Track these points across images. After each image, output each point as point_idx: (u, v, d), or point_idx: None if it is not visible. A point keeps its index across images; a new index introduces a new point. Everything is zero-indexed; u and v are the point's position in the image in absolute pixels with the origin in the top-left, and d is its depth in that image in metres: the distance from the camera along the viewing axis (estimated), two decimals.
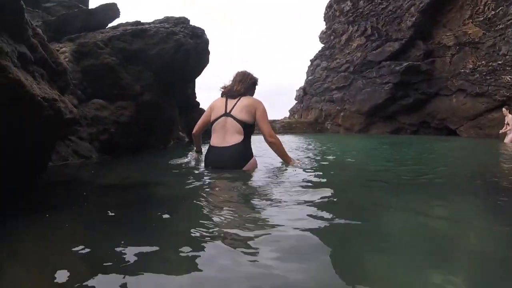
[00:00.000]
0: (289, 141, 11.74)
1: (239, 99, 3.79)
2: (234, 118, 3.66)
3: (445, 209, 2.47)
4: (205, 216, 2.21)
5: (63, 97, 3.09)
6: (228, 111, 3.73)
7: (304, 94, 28.10)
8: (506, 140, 12.70)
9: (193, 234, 1.83)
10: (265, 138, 3.80)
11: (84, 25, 7.83)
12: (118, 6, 8.70)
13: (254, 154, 3.86)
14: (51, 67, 3.19)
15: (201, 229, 1.89)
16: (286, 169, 3.87)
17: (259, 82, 4.10)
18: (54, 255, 1.69)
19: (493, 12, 16.21)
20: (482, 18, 16.74)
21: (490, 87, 16.61)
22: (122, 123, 6.48)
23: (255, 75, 4.07)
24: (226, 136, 3.67)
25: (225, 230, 1.90)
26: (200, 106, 14.63)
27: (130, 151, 6.57)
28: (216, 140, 3.73)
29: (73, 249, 1.64)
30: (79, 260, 1.57)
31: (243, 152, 3.66)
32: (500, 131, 13.29)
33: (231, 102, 3.79)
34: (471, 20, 17.31)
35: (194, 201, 2.61)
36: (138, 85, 7.21)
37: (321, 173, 3.67)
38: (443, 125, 19.46)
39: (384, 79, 20.70)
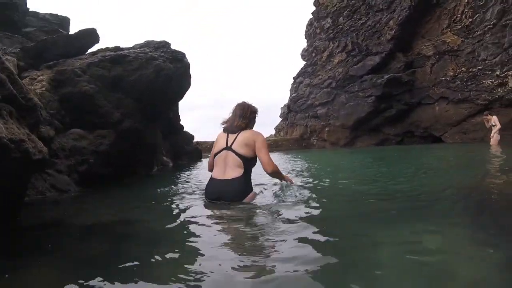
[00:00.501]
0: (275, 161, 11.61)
1: (239, 133, 3.81)
2: (235, 152, 3.69)
3: (438, 239, 2.36)
4: (188, 259, 2.11)
5: (32, 135, 2.94)
6: (229, 145, 3.76)
7: (288, 111, 28.22)
8: (492, 142, 12.85)
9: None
10: (263, 167, 3.81)
11: (63, 52, 7.69)
12: (99, 31, 8.63)
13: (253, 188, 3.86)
14: (20, 103, 3.04)
15: (184, 275, 1.78)
16: (275, 200, 3.81)
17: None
18: None
19: (470, 20, 16.68)
20: (460, 26, 17.20)
21: (471, 92, 16.99)
22: (102, 152, 6.29)
23: (254, 104, 4.02)
24: (226, 169, 3.68)
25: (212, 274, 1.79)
26: (185, 129, 14.54)
27: (111, 181, 6.36)
28: (217, 173, 3.74)
29: None
30: None
31: (242, 186, 3.65)
32: (491, 136, 13.29)
33: (231, 136, 3.81)
34: (449, 29, 17.79)
35: (176, 240, 2.52)
36: (118, 112, 7.06)
37: (308, 204, 3.56)
38: (427, 133, 19.75)
39: (367, 93, 20.99)
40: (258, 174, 4.35)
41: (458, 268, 1.81)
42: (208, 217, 3.23)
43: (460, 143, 16.77)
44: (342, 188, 4.91)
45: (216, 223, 2.96)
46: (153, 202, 4.40)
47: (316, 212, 3.28)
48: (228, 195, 3.60)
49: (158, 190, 5.32)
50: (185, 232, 2.80)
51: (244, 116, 3.90)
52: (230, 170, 3.65)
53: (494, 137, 13.01)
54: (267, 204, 3.61)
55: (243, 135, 3.77)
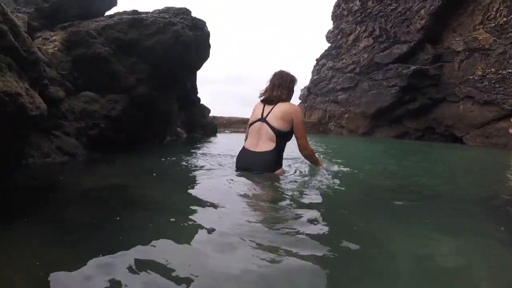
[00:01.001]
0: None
1: (276, 104, 3.65)
2: (269, 125, 3.55)
3: (455, 243, 2.11)
4: (188, 232, 2.00)
5: (31, 91, 2.72)
6: (264, 116, 3.62)
7: (308, 94, 27.62)
8: None
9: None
10: (299, 147, 3.77)
11: (79, 13, 7.45)
12: None
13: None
14: (21, 56, 2.81)
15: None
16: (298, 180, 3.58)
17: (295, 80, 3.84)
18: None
19: (505, 19, 15.74)
20: (494, 25, 16.27)
21: (498, 95, 16.17)
22: (114, 118, 6.08)
23: (291, 73, 3.78)
24: (259, 141, 3.58)
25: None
26: (201, 102, 14.30)
27: (122, 147, 6.18)
28: (249, 144, 3.66)
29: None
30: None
31: (272, 160, 3.55)
32: None
33: (268, 107, 3.67)
34: (482, 26, 16.83)
35: (179, 211, 2.40)
36: (133, 77, 6.82)
37: (327, 191, 3.29)
38: (449, 132, 19.03)
39: (391, 82, 20.24)
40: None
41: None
42: (217, 191, 3.03)
43: (481, 147, 16.09)
44: (365, 177, 4.59)
45: (223, 199, 2.75)
46: (161, 172, 4.22)
47: (331, 198, 3.02)
48: (256, 168, 3.50)
49: (168, 158, 5.14)
50: (190, 204, 2.59)
51: (283, 86, 3.68)
52: (262, 143, 3.54)
53: None
54: (289, 184, 3.36)
55: (280, 107, 3.60)
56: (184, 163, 4.88)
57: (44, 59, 3.18)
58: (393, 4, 20.96)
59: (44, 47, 5.72)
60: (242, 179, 3.36)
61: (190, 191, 3.12)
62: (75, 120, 5.51)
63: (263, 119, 3.58)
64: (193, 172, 4.08)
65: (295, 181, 3.51)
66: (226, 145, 8.92)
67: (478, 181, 5.01)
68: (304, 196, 2.99)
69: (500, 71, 16.06)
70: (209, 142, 10.60)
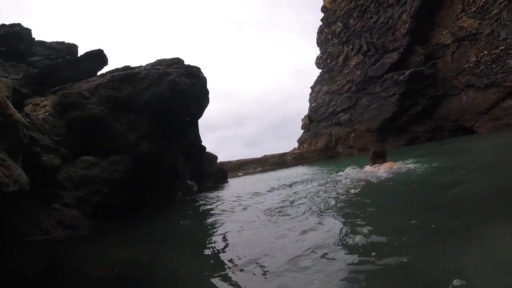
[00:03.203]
0: (296, 175, 10.78)
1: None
2: None
3: None
4: None
5: (9, 161, 2.24)
6: None
7: (310, 122, 27.29)
8: None
9: None
10: None
11: (69, 76, 7.20)
12: (107, 53, 8.14)
13: None
14: None
15: None
16: None
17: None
18: None
19: (483, 0, 15.65)
20: (475, 9, 16.24)
21: (498, 75, 15.82)
22: (117, 180, 5.59)
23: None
24: None
25: None
26: (207, 150, 13.87)
27: (129, 210, 5.61)
28: None
29: None
30: None
31: None
32: None
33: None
34: (464, 14, 16.82)
35: None
36: (133, 134, 6.41)
37: None
38: (458, 125, 18.51)
39: (389, 92, 19.96)
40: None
41: None
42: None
43: (494, 131, 15.53)
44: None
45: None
46: (179, 240, 3.64)
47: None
48: None
49: (181, 222, 4.57)
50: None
51: None
52: None
53: None
54: None
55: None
56: (198, 223, 4.32)
57: (24, 123, 2.71)
58: (374, 17, 21.09)
59: (35, 113, 5.34)
60: None
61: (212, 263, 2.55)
62: (75, 189, 5.01)
63: None
64: (210, 236, 3.51)
65: None
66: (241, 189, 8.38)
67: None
68: None
69: (493, 51, 15.79)
70: (222, 189, 10.07)
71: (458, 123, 18.45)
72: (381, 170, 5.84)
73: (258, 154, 26.96)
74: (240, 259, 2.34)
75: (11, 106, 2.64)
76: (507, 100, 15.58)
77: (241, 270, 2.16)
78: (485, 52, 16.29)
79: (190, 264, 2.60)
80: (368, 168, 6.30)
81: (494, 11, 15.36)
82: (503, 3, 14.88)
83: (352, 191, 4.55)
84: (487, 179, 3.92)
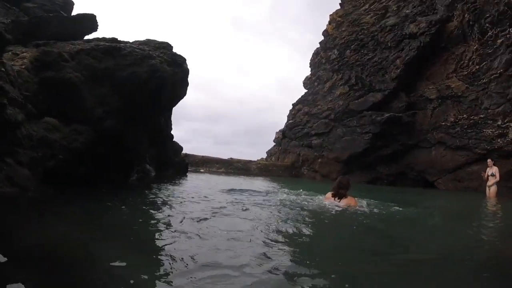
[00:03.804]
0: (261, 186, 10.96)
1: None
2: None
3: None
4: None
5: None
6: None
7: (283, 137, 27.62)
8: (491, 194, 12.37)
9: None
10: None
11: (57, 32, 7.08)
12: (103, 21, 8.09)
13: None
14: None
15: None
16: None
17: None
18: None
19: (477, 67, 16.39)
20: (466, 73, 16.94)
21: (471, 140, 16.63)
22: (74, 150, 5.57)
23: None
24: None
25: None
26: (177, 140, 13.84)
27: (79, 183, 5.59)
28: None
29: None
30: None
31: None
32: (487, 185, 12.85)
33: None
34: (455, 74, 17.52)
35: None
36: (101, 108, 6.38)
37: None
38: (421, 177, 19.27)
39: (365, 129, 20.51)
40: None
41: None
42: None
43: (454, 191, 16.29)
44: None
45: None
46: (119, 223, 3.71)
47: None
48: None
49: (124, 207, 4.61)
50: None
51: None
52: None
53: (492, 189, 12.57)
54: None
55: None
56: (143, 214, 4.37)
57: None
58: (369, 54, 21.64)
59: (12, 63, 5.25)
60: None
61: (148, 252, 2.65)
62: (32, 149, 4.96)
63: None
64: (152, 230, 3.59)
65: None
66: (193, 188, 8.45)
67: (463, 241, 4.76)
68: None
69: (472, 116, 16.56)
70: (179, 183, 10.08)
71: (422, 175, 19.17)
72: (341, 204, 6.27)
73: (225, 155, 27.00)
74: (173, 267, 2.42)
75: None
76: (473, 166, 16.37)
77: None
78: (464, 115, 17.06)
79: (116, 257, 2.66)
80: (328, 196, 6.70)
81: (484, 80, 16.12)
82: (494, 75, 15.64)
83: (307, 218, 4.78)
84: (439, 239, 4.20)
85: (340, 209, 5.91)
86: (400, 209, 6.92)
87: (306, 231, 3.80)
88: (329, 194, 6.65)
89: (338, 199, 6.33)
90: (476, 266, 3.00)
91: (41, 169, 5.04)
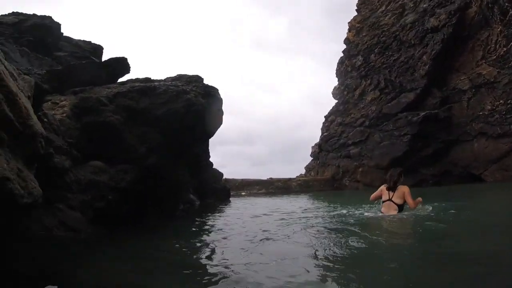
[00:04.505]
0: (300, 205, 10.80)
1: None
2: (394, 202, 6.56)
3: None
4: None
5: (26, 171, 2.41)
6: (390, 197, 6.64)
7: (319, 151, 27.33)
8: None
9: None
10: (410, 207, 6.53)
11: (91, 79, 7.47)
12: (133, 63, 8.48)
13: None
14: (16, 129, 2.55)
15: None
16: None
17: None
18: None
19: (505, 49, 15.85)
20: (495, 57, 16.40)
21: (511, 125, 15.83)
22: (122, 189, 5.77)
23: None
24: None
25: None
26: (214, 166, 14.01)
27: (130, 221, 5.76)
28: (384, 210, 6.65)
29: None
30: None
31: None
32: None
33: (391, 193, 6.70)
34: (484, 61, 17.00)
35: None
36: (143, 146, 6.60)
37: None
38: (466, 172, 18.45)
39: (402, 131, 20.00)
40: None
41: None
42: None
43: (502, 181, 15.44)
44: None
45: None
46: (177, 257, 3.75)
47: None
48: None
49: (181, 242, 4.68)
50: None
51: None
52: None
53: None
54: None
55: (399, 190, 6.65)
56: (192, 245, 4.42)
57: (42, 132, 2.87)
58: (395, 55, 21.33)
59: (53, 112, 5.57)
60: None
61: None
62: (81, 192, 5.18)
63: (390, 200, 6.64)
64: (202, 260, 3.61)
65: None
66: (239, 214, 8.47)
67: None
68: None
69: (509, 101, 15.88)
70: (223, 209, 10.14)
71: (467, 170, 18.39)
72: (395, 195, 6.60)
73: (264, 175, 27.00)
74: None
75: (33, 116, 2.82)
76: None
77: None
78: (501, 101, 16.38)
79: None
80: (383, 189, 6.93)
81: None
82: None
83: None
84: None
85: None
86: (453, 211, 6.65)
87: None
88: (383, 187, 6.91)
89: (392, 191, 6.66)
90: None
91: (91, 211, 5.24)
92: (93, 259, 3.76)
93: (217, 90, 8.74)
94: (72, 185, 5.03)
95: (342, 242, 4.09)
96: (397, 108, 20.74)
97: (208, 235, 5.30)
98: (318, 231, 5.10)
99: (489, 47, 16.71)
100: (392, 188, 6.68)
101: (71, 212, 4.83)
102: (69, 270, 3.09)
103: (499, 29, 15.99)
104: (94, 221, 5.13)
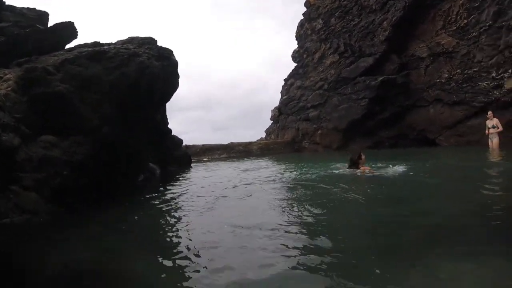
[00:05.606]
0: (263, 168, 10.96)
1: None
2: None
3: None
4: None
5: None
6: None
7: (279, 114, 27.50)
8: (494, 145, 12.32)
9: None
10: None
11: (37, 47, 6.88)
12: (81, 27, 7.84)
13: None
14: None
15: None
16: None
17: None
18: None
19: (465, 21, 16.28)
20: (455, 28, 16.84)
21: (467, 94, 16.64)
22: (77, 163, 5.45)
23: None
24: None
25: None
26: (174, 133, 13.69)
27: (89, 195, 5.51)
28: None
29: None
30: None
31: None
32: (489, 136, 12.76)
33: None
34: (444, 31, 17.41)
35: None
36: (96, 116, 6.20)
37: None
38: (422, 136, 19.30)
39: (360, 95, 20.42)
40: None
41: None
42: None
43: (455, 146, 16.39)
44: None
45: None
46: (140, 230, 3.64)
47: None
48: None
49: (144, 215, 4.55)
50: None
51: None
52: None
53: (495, 140, 12.51)
54: None
55: None
56: (161, 217, 4.31)
57: None
58: (355, 19, 21.35)
59: None
60: None
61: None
62: (34, 171, 4.83)
63: None
64: (175, 225, 3.54)
65: None
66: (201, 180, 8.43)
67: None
68: None
69: (466, 71, 16.52)
70: (185, 176, 10.02)
71: (422, 134, 19.22)
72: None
73: (225, 140, 26.90)
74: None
75: None
76: (472, 120, 16.39)
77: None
78: (458, 70, 16.99)
79: (147, 266, 2.63)
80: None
81: (474, 33, 16.03)
82: (483, 27, 15.54)
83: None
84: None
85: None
86: (411, 172, 6.99)
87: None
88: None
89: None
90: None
91: (48, 190, 4.92)
92: (52, 243, 3.56)
93: (172, 52, 8.37)
94: (24, 164, 4.67)
95: (299, 194, 4.33)
96: (356, 72, 21.03)
97: (170, 204, 5.22)
98: (274, 188, 5.22)
99: (450, 17, 17.06)
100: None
101: (26, 193, 4.51)
102: (31, 255, 2.91)
103: (461, 1, 16.38)
104: (53, 201, 4.82)
